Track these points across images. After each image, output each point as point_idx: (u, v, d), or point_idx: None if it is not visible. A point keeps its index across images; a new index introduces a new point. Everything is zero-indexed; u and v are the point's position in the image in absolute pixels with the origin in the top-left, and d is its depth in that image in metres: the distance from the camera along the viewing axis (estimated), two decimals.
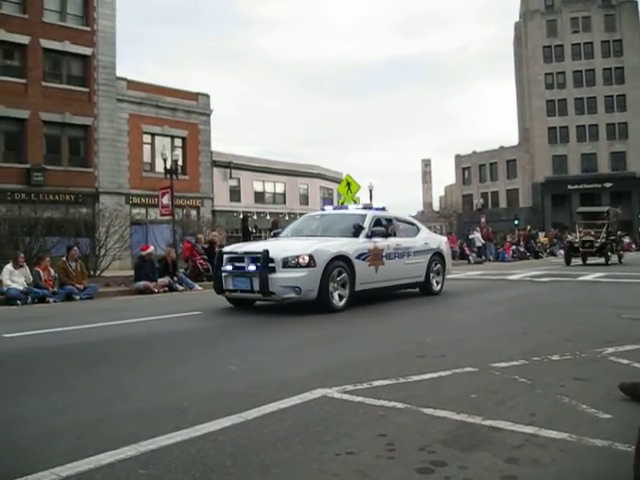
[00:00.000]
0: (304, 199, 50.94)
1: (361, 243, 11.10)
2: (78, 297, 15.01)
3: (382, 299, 11.97)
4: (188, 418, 4.11)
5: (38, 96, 32.81)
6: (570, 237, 29.08)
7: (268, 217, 40.39)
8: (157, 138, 38.14)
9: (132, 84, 37.28)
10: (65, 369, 6.17)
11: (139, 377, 5.66)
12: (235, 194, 44.28)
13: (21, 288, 14.37)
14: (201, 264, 19.61)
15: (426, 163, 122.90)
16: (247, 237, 23.99)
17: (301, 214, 47.02)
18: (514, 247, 36.48)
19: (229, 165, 43.30)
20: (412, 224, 13.69)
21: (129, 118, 36.79)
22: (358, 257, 10.75)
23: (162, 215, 25.94)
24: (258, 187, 46.97)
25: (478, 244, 34.35)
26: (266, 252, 10.01)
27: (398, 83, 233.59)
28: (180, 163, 33.57)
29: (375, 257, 11.23)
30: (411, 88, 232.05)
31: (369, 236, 11.35)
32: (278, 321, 9.46)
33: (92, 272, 20.14)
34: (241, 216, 31.82)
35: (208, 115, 41.31)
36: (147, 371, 5.94)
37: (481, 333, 7.93)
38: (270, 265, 9.91)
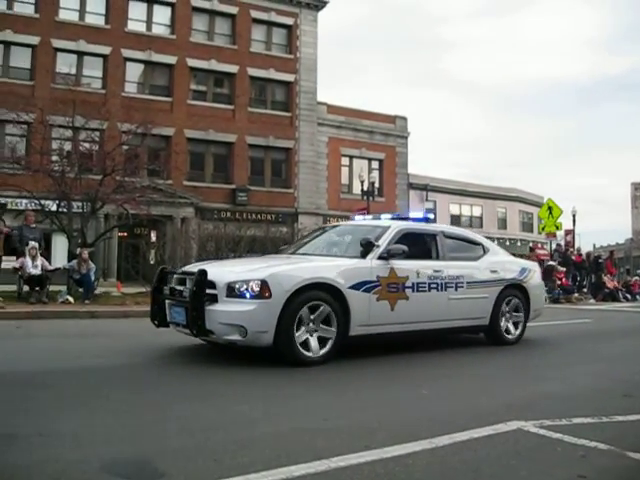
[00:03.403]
0: (502, 223, 49.68)
1: (366, 267, 7.64)
2: None
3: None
4: (378, 439, 4.03)
5: (244, 121, 34.73)
6: None
7: None
8: (355, 160, 38.87)
9: (332, 108, 38.35)
10: (256, 379, 6.30)
11: (331, 394, 5.66)
12: None
13: None
14: None
15: (636, 187, 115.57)
16: None
17: (499, 239, 46.29)
18: None
19: (425, 187, 43.20)
20: (474, 242, 9.75)
21: (328, 141, 37.85)
22: (356, 287, 7.36)
23: None
24: (454, 210, 46.43)
25: None
26: (201, 273, 6.98)
27: (603, 102, 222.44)
28: (377, 185, 34.08)
29: (390, 288, 7.75)
30: (618, 107, 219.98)
31: (384, 257, 7.81)
32: (472, 348, 9.11)
33: None
34: None
35: (405, 137, 41.53)
36: (340, 390, 5.92)
37: None
38: (210, 292, 6.91)
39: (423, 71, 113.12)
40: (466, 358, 8.14)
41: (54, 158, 20.51)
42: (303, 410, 4.97)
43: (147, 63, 33.48)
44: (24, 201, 21.48)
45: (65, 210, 18.61)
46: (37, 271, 14.65)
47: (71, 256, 17.00)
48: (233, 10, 35.16)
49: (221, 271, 7.34)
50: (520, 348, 9.10)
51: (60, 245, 23.39)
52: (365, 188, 29.59)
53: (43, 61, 30.65)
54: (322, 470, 3.42)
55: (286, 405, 5.16)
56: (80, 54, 31.73)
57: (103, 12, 32.58)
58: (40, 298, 14.18)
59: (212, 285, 6.89)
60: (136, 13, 33.25)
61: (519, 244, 49.34)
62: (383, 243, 7.97)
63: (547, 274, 23.30)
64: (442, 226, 9.71)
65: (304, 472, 3.38)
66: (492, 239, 45.14)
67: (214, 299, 6.84)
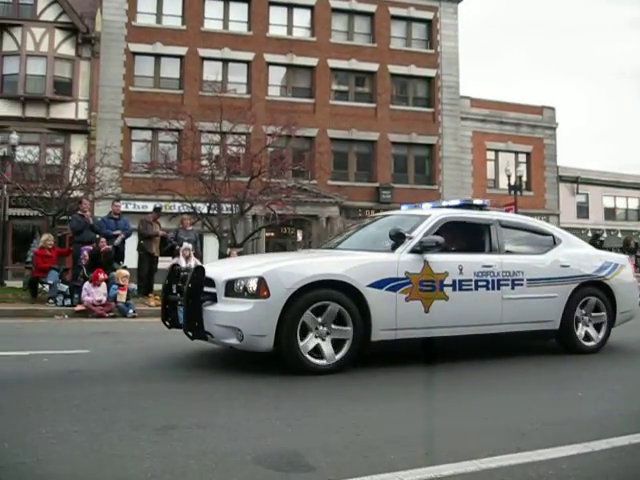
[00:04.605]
0: None
1: (390, 262, 6.61)
2: None
3: None
4: (530, 441, 3.89)
5: (386, 119, 34.68)
6: None
7: (620, 235, 37.83)
8: (500, 154, 37.87)
9: (475, 102, 37.56)
10: (396, 378, 6.22)
11: (476, 395, 5.55)
12: (583, 210, 42.08)
13: None
14: None
15: None
16: None
17: None
18: None
19: (576, 180, 41.38)
20: (542, 233, 8.26)
21: (472, 135, 37.10)
22: (377, 285, 6.39)
23: None
24: (608, 203, 44.09)
25: None
26: (197, 270, 6.54)
27: None
28: (524, 179, 33.04)
29: (424, 286, 6.68)
30: None
31: (418, 251, 6.74)
32: (628, 347, 8.55)
33: None
34: (589, 234, 30.28)
35: (554, 129, 40.01)
36: (485, 391, 5.79)
37: None
38: (210, 291, 6.31)
39: (571, 58, 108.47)
40: (622, 361, 7.65)
41: (204, 162, 21.38)
42: (450, 409, 4.89)
43: (289, 66, 34.14)
44: (177, 204, 22.46)
45: (215, 212, 19.31)
46: None
47: (221, 256, 17.57)
48: (372, 8, 35.19)
49: (224, 268, 6.86)
50: None
51: (211, 246, 24.29)
52: (512, 182, 28.71)
53: (191, 70, 31.98)
54: (471, 470, 3.34)
55: (434, 403, 5.09)
56: (225, 61, 32.83)
57: (245, 19, 33.56)
58: None
59: (212, 283, 6.32)
60: (277, 18, 33.99)
61: None
62: (418, 234, 6.89)
63: None
64: (499, 214, 8.41)
65: (453, 472, 3.31)
66: None
67: (214, 298, 6.27)
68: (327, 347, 6.16)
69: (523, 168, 35.35)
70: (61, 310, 12.80)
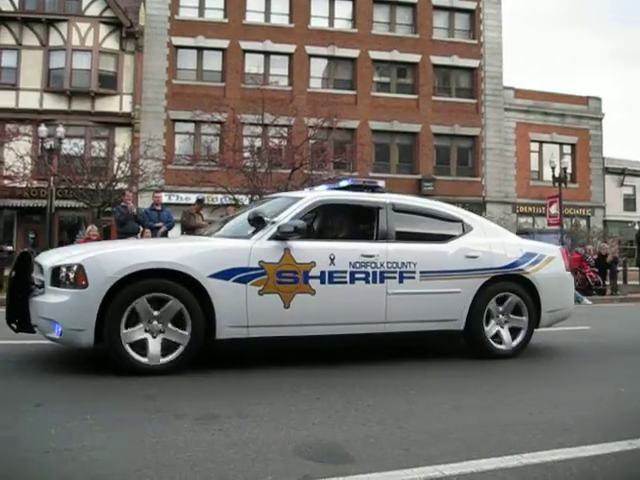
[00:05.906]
0: None
1: (241, 249, 5.82)
2: None
3: None
4: (573, 437, 3.85)
5: (428, 110, 34.44)
6: None
7: None
8: (545, 146, 37.34)
9: (519, 92, 37.07)
10: (444, 371, 6.18)
11: (522, 390, 5.48)
12: (630, 203, 41.19)
13: None
14: (591, 276, 19.11)
15: None
16: None
17: None
18: None
19: (623, 172, 40.60)
20: (448, 219, 7.06)
21: (516, 127, 36.63)
22: (222, 275, 5.61)
23: (550, 225, 25.40)
24: None
25: None
26: (22, 255, 5.99)
27: None
28: (569, 171, 32.60)
29: (283, 278, 5.85)
30: None
31: (279, 237, 5.89)
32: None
33: None
34: (637, 227, 29.73)
35: (600, 119, 39.30)
36: (532, 384, 5.72)
37: None
38: (41, 279, 5.67)
39: (621, 48, 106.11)
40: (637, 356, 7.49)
41: (246, 154, 21.52)
42: (494, 403, 4.86)
43: (330, 58, 34.05)
44: (219, 196, 22.66)
45: None
46: None
47: None
48: None
49: (59, 255, 6.02)
50: None
51: None
52: (556, 174, 28.31)
53: (233, 63, 32.13)
54: (513, 465, 3.33)
55: (478, 397, 5.06)
56: (267, 54, 32.89)
57: (287, 12, 33.56)
58: None
59: (39, 269, 5.79)
60: (318, 10, 33.91)
61: None
62: (282, 219, 6.02)
63: None
64: (394, 196, 7.16)
65: (494, 466, 3.30)
66: None
67: (41, 287, 5.65)
68: (153, 345, 5.50)
69: (568, 160, 34.77)
70: None
